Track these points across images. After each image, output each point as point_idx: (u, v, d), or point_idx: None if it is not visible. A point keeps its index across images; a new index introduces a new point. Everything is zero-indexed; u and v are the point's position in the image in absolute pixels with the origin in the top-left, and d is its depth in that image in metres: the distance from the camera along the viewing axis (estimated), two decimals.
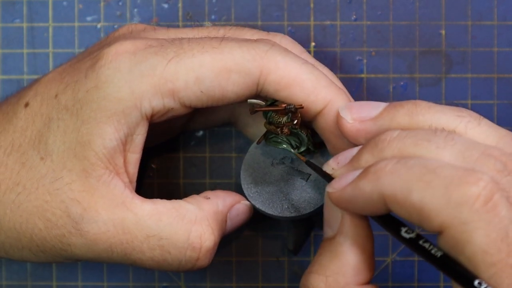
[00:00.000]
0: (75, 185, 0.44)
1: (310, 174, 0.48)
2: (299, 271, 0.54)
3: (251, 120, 0.50)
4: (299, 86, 0.44)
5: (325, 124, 0.45)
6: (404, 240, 0.40)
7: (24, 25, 0.54)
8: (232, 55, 0.43)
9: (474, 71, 0.53)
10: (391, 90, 0.53)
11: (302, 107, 0.44)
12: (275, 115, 0.46)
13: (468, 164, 0.38)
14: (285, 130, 0.45)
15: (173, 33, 0.48)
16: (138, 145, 0.45)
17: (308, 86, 0.44)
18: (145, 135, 0.45)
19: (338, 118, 0.44)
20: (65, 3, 0.54)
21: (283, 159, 0.48)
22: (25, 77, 0.54)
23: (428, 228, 0.38)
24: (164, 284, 0.54)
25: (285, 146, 0.47)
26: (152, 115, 0.44)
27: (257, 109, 0.45)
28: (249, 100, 0.44)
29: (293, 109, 0.44)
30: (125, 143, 0.44)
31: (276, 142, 0.47)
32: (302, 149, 0.47)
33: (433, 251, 0.38)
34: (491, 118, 0.53)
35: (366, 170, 0.40)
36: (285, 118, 0.45)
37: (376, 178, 0.39)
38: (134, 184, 0.45)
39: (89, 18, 0.53)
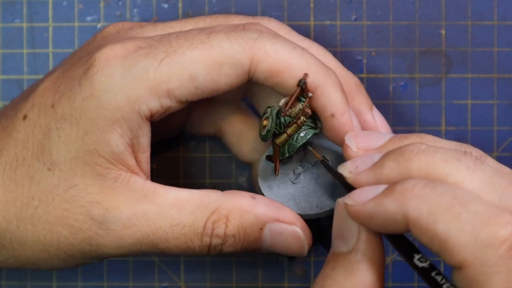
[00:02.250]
0: (91, 188, 0.44)
1: (324, 155, 0.47)
2: (299, 271, 0.54)
3: (237, 138, 0.50)
4: (289, 73, 0.44)
5: (314, 106, 0.45)
6: (415, 267, 0.39)
7: (24, 25, 0.54)
8: (222, 48, 0.44)
9: (474, 71, 0.53)
10: (391, 90, 0.53)
11: (307, 75, 0.44)
12: (291, 109, 0.45)
13: (497, 192, 0.38)
14: (307, 110, 0.45)
15: (160, 29, 0.48)
16: (145, 145, 0.45)
17: (298, 72, 0.44)
18: (149, 134, 0.45)
19: (343, 145, 0.44)
20: (65, 3, 0.54)
21: (294, 171, 0.47)
22: (25, 77, 0.54)
23: (448, 261, 0.38)
24: (164, 284, 0.54)
25: (313, 132, 0.46)
26: (151, 116, 0.44)
27: (287, 108, 0.44)
28: (281, 103, 0.45)
29: (305, 81, 0.44)
30: (132, 146, 0.44)
31: (305, 136, 0.46)
32: (320, 123, 0.46)
33: (445, 286, 0.38)
34: (491, 118, 0.53)
35: (392, 188, 0.39)
36: (299, 105, 0.45)
37: (402, 198, 0.38)
38: (149, 178, 0.46)
39: (89, 18, 0.53)
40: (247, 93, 0.50)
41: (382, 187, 0.39)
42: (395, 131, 0.53)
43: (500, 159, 0.53)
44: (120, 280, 0.54)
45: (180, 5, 0.53)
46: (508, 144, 0.53)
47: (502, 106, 0.53)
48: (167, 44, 0.44)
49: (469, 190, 0.38)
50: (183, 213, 0.44)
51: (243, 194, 0.45)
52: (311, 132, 0.46)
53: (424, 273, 0.39)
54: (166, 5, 0.54)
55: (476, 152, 0.41)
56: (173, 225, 0.44)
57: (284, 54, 0.44)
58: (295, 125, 0.45)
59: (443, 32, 0.53)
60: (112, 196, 0.44)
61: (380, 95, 0.53)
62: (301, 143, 0.46)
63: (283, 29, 0.48)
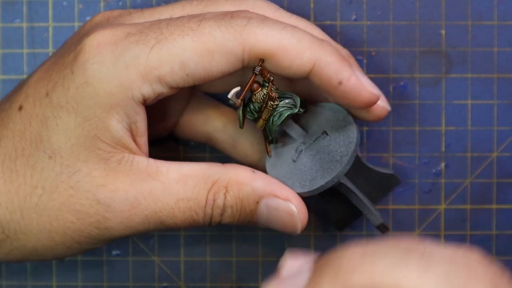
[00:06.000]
0: (95, 172, 0.44)
1: (325, 130, 0.47)
2: None
3: (231, 144, 0.51)
4: (282, 54, 0.44)
5: (319, 81, 0.45)
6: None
7: (24, 25, 0.54)
8: (213, 36, 0.44)
9: (474, 71, 0.53)
10: (391, 90, 0.53)
11: (263, 60, 0.44)
12: (255, 96, 0.45)
13: None
14: (273, 94, 0.45)
15: (148, 14, 0.48)
16: (143, 129, 0.45)
17: (291, 51, 0.44)
18: (145, 118, 0.45)
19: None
20: (65, 3, 0.54)
21: (296, 149, 0.48)
22: (25, 77, 0.54)
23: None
24: (164, 284, 0.54)
25: (289, 112, 0.46)
26: (145, 101, 0.44)
27: (241, 98, 0.45)
28: (229, 95, 0.45)
29: (257, 67, 0.44)
30: (131, 130, 0.45)
31: (279, 119, 0.46)
32: (298, 101, 0.46)
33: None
34: (491, 118, 0.53)
35: None
36: (264, 89, 0.45)
37: None
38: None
39: (89, 18, 0.53)
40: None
41: None
42: (395, 131, 0.53)
43: (500, 159, 0.53)
44: (120, 280, 0.54)
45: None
46: (508, 144, 0.53)
47: (502, 106, 0.53)
48: (157, 31, 0.44)
49: None
50: (187, 187, 0.44)
51: (244, 168, 0.46)
52: (286, 112, 0.46)
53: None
54: None
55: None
56: (179, 200, 0.44)
57: (275, 37, 0.44)
58: (266, 109, 0.46)
59: (443, 32, 0.53)
60: (117, 178, 0.44)
61: None
62: (276, 126, 0.46)
63: (270, 8, 0.48)
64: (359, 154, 0.48)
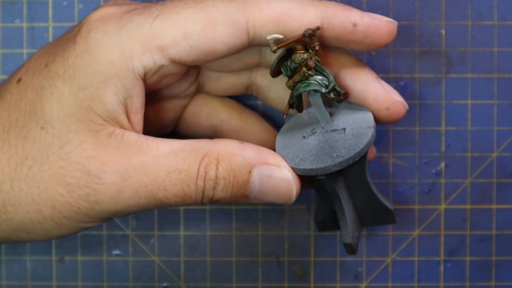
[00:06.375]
0: (86, 144, 0.44)
1: (345, 128, 0.47)
2: (299, 271, 0.54)
3: (237, 135, 0.51)
4: (288, 17, 0.44)
5: (333, 32, 0.45)
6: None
7: (24, 25, 0.54)
8: (216, 8, 0.44)
9: (474, 71, 0.53)
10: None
11: (319, 28, 0.44)
12: (295, 55, 0.45)
13: None
14: (310, 62, 0.45)
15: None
16: (138, 105, 0.45)
17: (295, 12, 0.44)
18: (143, 95, 0.45)
19: None
20: (65, 3, 0.54)
21: (313, 129, 0.48)
22: None
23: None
24: (164, 284, 0.54)
25: (315, 88, 0.46)
26: (145, 74, 0.44)
27: (278, 46, 0.44)
28: (269, 37, 0.44)
29: (312, 31, 0.44)
30: (125, 105, 0.44)
31: (304, 88, 0.46)
32: (331, 85, 0.46)
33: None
34: (491, 118, 0.53)
35: None
36: (306, 54, 0.45)
37: None
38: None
39: None
40: (250, 89, 0.51)
41: None
42: (394, 131, 0.53)
43: (500, 159, 0.53)
44: (120, 280, 0.54)
45: None
46: (508, 144, 0.53)
47: (502, 106, 0.53)
48: (161, 5, 0.44)
49: None
50: (178, 159, 0.44)
51: (231, 140, 0.45)
52: (313, 87, 0.46)
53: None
54: None
55: None
56: (170, 172, 0.44)
57: (276, 3, 0.44)
58: (299, 73, 0.46)
59: (443, 32, 0.53)
60: (107, 151, 0.44)
61: None
62: (298, 93, 0.46)
63: None
64: (369, 177, 0.47)
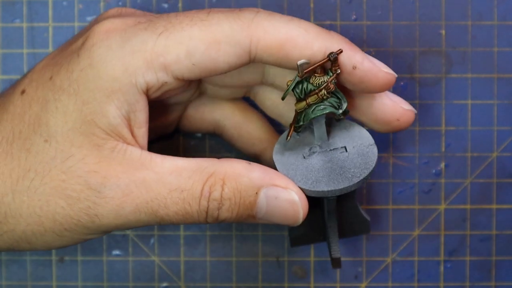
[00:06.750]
0: (88, 158, 0.44)
1: (345, 146, 0.47)
2: (299, 271, 0.54)
3: (238, 131, 0.51)
4: (292, 44, 0.44)
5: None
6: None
7: (24, 25, 0.54)
8: (221, 27, 0.44)
9: (474, 71, 0.53)
10: (391, 90, 0.53)
11: (342, 51, 0.44)
12: (314, 79, 0.45)
13: None
14: (331, 86, 0.45)
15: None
16: (142, 120, 0.45)
17: (300, 41, 0.44)
18: (147, 110, 0.45)
19: None
20: (65, 3, 0.54)
21: (310, 149, 0.48)
22: None
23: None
24: (164, 284, 0.54)
25: (331, 110, 0.46)
26: (148, 90, 0.44)
27: (306, 71, 0.44)
28: (299, 62, 0.44)
29: (336, 55, 0.44)
30: (128, 119, 0.44)
31: (321, 111, 0.46)
32: (344, 106, 0.46)
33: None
34: (491, 118, 0.53)
35: None
36: (325, 77, 0.45)
37: None
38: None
39: (89, 18, 0.53)
40: (248, 93, 0.51)
41: None
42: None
43: (500, 159, 0.53)
44: (120, 280, 0.54)
45: (180, 5, 0.53)
46: (508, 144, 0.53)
47: (502, 106, 0.53)
48: (166, 20, 0.44)
49: None
50: (181, 178, 0.44)
51: (239, 160, 0.45)
52: (329, 109, 0.46)
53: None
54: (166, 5, 0.54)
55: None
56: (172, 190, 0.44)
57: (283, 27, 0.44)
58: (315, 95, 0.45)
59: (443, 32, 0.53)
60: (109, 165, 0.44)
61: None
62: (315, 116, 0.46)
63: None
64: (355, 190, 0.48)
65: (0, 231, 0.45)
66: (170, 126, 0.52)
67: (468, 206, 0.54)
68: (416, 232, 0.54)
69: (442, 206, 0.54)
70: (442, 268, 0.54)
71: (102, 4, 0.53)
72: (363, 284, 0.54)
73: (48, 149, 0.44)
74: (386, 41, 0.53)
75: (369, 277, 0.54)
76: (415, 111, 0.47)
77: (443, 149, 0.53)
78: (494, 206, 0.54)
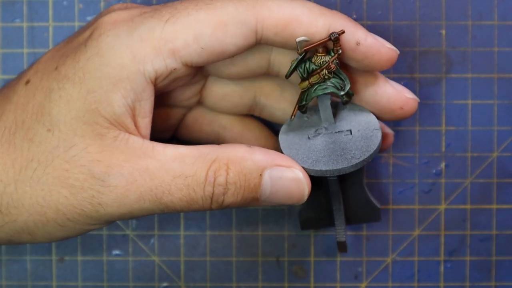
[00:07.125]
0: (91, 148, 0.43)
1: (351, 129, 0.47)
2: (299, 271, 0.54)
3: (239, 142, 0.51)
4: (296, 22, 0.44)
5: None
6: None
7: (24, 24, 0.54)
8: (226, 9, 0.44)
9: (474, 71, 0.53)
10: None
11: (344, 32, 0.45)
12: (316, 58, 0.46)
13: None
14: (332, 65, 0.46)
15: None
16: (147, 110, 0.45)
17: (304, 19, 0.44)
18: (152, 100, 0.45)
19: None
20: (65, 2, 0.54)
21: (316, 130, 0.48)
22: None
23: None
24: (164, 284, 0.54)
25: (333, 90, 0.46)
26: (156, 78, 0.44)
27: (305, 48, 0.45)
28: (297, 39, 0.44)
29: (337, 35, 0.44)
30: (133, 109, 0.44)
31: (323, 91, 0.46)
32: (347, 87, 0.46)
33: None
34: (491, 118, 0.53)
35: None
36: (327, 57, 0.45)
37: None
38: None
39: (89, 18, 0.53)
40: (253, 109, 0.51)
41: None
42: (394, 131, 0.53)
43: (500, 159, 0.53)
44: (120, 280, 0.54)
45: None
46: (508, 144, 0.53)
47: (502, 106, 0.53)
48: (171, 7, 0.45)
49: None
50: (184, 164, 0.44)
51: (239, 144, 0.45)
52: (331, 89, 0.46)
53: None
54: None
55: None
56: (176, 176, 0.44)
57: (287, 7, 0.44)
58: (317, 75, 0.46)
59: (443, 32, 0.53)
60: (112, 154, 0.43)
61: None
62: (316, 95, 0.46)
63: None
64: (364, 176, 0.48)
65: (2, 222, 0.45)
66: (167, 132, 0.52)
67: (468, 206, 0.54)
68: (416, 232, 0.54)
69: (442, 206, 0.54)
70: (442, 268, 0.54)
71: (102, 4, 0.54)
72: (363, 284, 0.54)
73: (51, 138, 0.44)
74: (386, 41, 0.53)
75: (369, 277, 0.54)
76: (418, 100, 0.48)
77: (443, 149, 0.53)
78: (494, 206, 0.54)
